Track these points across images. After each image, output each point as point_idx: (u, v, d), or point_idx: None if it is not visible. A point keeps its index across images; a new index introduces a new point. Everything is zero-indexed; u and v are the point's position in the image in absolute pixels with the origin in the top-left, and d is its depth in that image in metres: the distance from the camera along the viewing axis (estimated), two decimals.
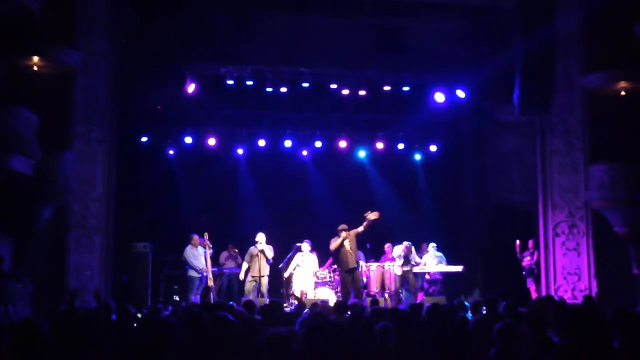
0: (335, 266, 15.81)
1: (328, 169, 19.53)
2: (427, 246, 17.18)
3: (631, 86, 14.76)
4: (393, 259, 16.69)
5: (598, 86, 15.01)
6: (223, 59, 16.84)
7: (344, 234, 15.11)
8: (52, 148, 13.35)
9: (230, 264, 17.24)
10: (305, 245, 16.01)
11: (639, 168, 13.92)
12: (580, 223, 14.98)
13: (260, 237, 15.75)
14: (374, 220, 14.95)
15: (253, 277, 15.62)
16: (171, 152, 18.72)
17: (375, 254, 17.12)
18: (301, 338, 6.34)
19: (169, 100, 17.02)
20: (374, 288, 16.29)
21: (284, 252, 16.35)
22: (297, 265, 15.96)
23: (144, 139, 17.95)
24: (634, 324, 6.33)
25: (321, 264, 16.60)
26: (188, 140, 18.36)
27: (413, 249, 16.56)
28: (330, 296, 15.22)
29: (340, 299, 14.43)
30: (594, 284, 14.66)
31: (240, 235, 17.39)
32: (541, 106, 15.41)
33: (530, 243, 15.91)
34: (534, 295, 15.48)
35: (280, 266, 16.34)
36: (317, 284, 16.00)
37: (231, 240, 17.65)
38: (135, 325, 8.86)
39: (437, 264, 16.86)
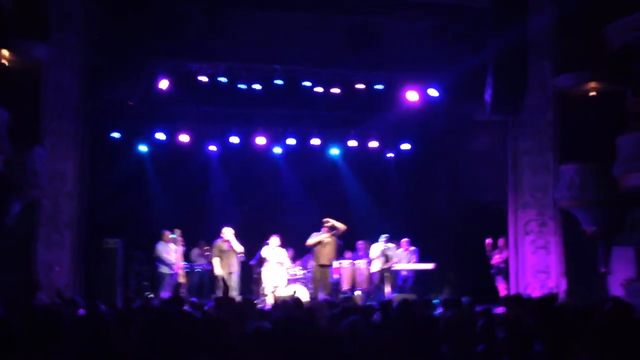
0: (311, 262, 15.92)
1: (301, 167, 19.56)
2: (405, 243, 17.26)
3: (601, 87, 14.94)
4: (364, 256, 16.74)
5: (569, 87, 15.16)
6: (195, 56, 16.72)
7: (326, 233, 15.44)
8: (22, 143, 13.22)
9: (202, 261, 17.22)
10: (274, 239, 15.93)
11: (608, 168, 14.06)
12: (549, 221, 15.12)
13: (227, 231, 15.69)
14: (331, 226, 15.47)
15: (229, 272, 15.56)
16: (143, 148, 18.63)
17: (347, 251, 17.16)
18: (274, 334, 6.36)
19: (141, 96, 16.85)
20: (345, 285, 16.33)
21: (254, 249, 16.31)
22: (265, 259, 15.88)
23: (116, 134, 17.84)
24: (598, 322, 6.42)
25: (293, 260, 16.59)
26: (160, 136, 18.28)
27: (391, 245, 16.64)
28: (302, 293, 15.24)
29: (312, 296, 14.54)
30: (563, 282, 14.81)
31: (212, 232, 17.31)
32: (513, 106, 15.51)
33: (501, 241, 16.05)
34: (502, 292, 15.62)
35: (250, 262, 16.32)
36: (289, 281, 16.00)
37: (202, 237, 17.61)
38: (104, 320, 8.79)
39: (408, 260, 16.97)
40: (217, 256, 15.67)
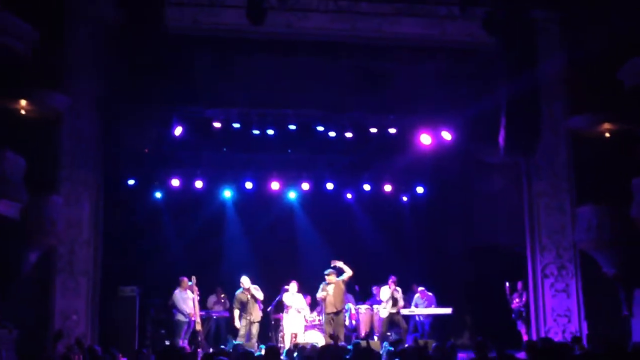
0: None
1: (315, 211, 19.55)
2: (417, 287, 17.12)
3: (615, 128, 14.95)
4: (381, 301, 16.61)
5: (582, 128, 15.17)
6: (209, 102, 16.83)
7: (327, 279, 15.37)
8: (38, 191, 13.24)
9: (218, 308, 17.11)
10: (293, 285, 15.93)
11: (625, 209, 13.98)
12: (569, 264, 15.00)
13: (245, 280, 15.66)
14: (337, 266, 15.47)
15: (251, 322, 15.47)
16: (158, 194, 18.68)
17: (364, 296, 17.04)
18: None
19: (155, 143, 16.93)
20: (363, 331, 16.18)
21: (271, 294, 16.24)
22: (286, 306, 15.82)
23: (131, 181, 17.89)
24: None
25: (311, 306, 16.48)
26: (175, 182, 18.34)
27: (399, 289, 16.50)
28: (319, 340, 15.11)
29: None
30: (585, 325, 14.63)
31: (228, 278, 17.26)
32: (526, 148, 15.48)
33: (519, 285, 15.91)
34: (524, 337, 15.43)
35: (268, 309, 16.25)
36: (306, 327, 15.88)
37: (217, 283, 17.54)
38: None
39: (426, 306, 16.81)
40: (237, 308, 15.64)
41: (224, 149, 18.28)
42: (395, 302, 16.21)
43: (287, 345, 14.89)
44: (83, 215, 14.34)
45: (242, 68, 16.81)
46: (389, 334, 16.15)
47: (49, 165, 14.16)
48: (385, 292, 16.41)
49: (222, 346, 13.32)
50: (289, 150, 18.40)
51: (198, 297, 16.10)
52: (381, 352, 11.26)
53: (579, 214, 14.85)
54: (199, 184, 18.41)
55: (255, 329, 15.48)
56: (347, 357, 8.91)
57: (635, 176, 13.96)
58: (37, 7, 13.22)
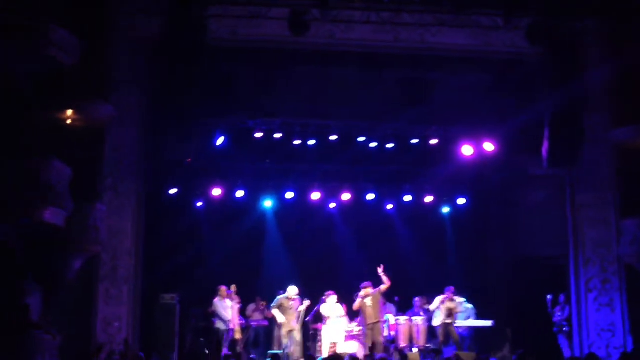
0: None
1: (355, 221, 19.52)
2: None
3: None
4: (420, 313, 16.48)
5: (628, 140, 14.93)
6: (251, 112, 16.99)
7: (362, 292, 15.47)
8: (83, 200, 13.45)
9: (258, 317, 17.17)
10: (332, 297, 15.96)
11: None
12: (613, 278, 14.74)
13: (292, 290, 15.73)
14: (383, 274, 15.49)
15: (289, 330, 15.57)
16: (199, 203, 18.83)
17: (404, 307, 16.94)
18: None
19: (197, 153, 17.14)
20: (402, 342, 16.10)
21: (311, 305, 16.28)
22: (325, 316, 15.87)
23: (173, 190, 18.06)
24: None
25: (350, 317, 16.46)
26: (216, 192, 18.47)
27: (457, 299, 16.33)
28: (359, 350, 15.09)
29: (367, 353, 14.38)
30: (629, 340, 14.36)
31: (267, 288, 17.32)
32: (570, 159, 15.25)
33: (562, 298, 15.68)
34: (566, 352, 15.19)
35: (307, 319, 16.28)
36: (346, 337, 15.87)
37: (257, 292, 17.62)
38: None
39: (466, 318, 16.64)
40: (277, 309, 15.76)
41: (266, 160, 18.35)
42: (449, 312, 16.07)
43: (325, 354, 14.87)
44: (126, 224, 14.53)
45: (284, 79, 16.91)
46: (428, 345, 16.04)
47: (94, 174, 14.38)
48: (436, 302, 16.25)
49: (252, 356, 13.36)
50: (330, 161, 18.40)
51: (239, 306, 16.20)
52: None
53: (623, 227, 14.60)
54: (240, 193, 18.54)
55: (294, 338, 15.51)
56: None
57: None
58: (82, 19, 13.45)
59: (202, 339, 16.21)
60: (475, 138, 17.43)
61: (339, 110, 17.12)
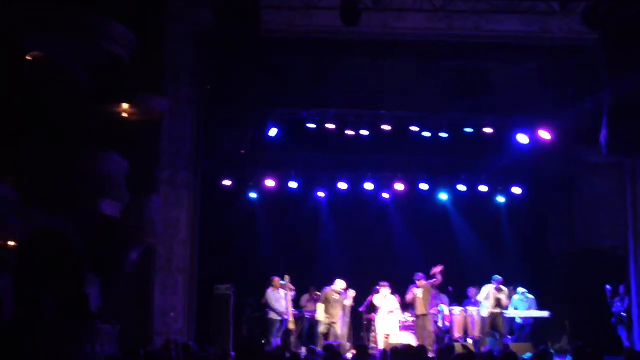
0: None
1: (409, 212, 19.40)
2: (521, 290, 16.70)
3: None
4: (476, 303, 16.31)
5: None
6: (304, 103, 17.03)
7: (417, 283, 15.56)
8: (139, 192, 13.65)
9: (311, 307, 17.19)
10: (385, 288, 15.90)
11: None
12: None
13: (340, 283, 15.74)
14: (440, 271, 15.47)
15: (330, 322, 15.58)
16: (253, 194, 18.96)
17: (459, 297, 16.80)
18: None
19: (251, 144, 17.25)
20: (457, 333, 15.97)
21: (364, 295, 16.26)
22: (377, 307, 15.84)
23: (227, 182, 18.20)
24: None
25: (402, 307, 16.40)
26: (270, 183, 18.57)
27: (505, 289, 16.11)
28: (412, 341, 15.03)
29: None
30: None
31: (321, 278, 17.35)
32: (631, 148, 14.87)
33: (621, 288, 15.35)
34: (625, 343, 14.88)
35: (360, 309, 16.28)
36: (400, 328, 15.82)
37: (311, 282, 17.66)
38: None
39: (527, 309, 16.41)
40: (322, 303, 15.76)
41: (319, 150, 18.35)
42: (498, 302, 15.87)
43: (381, 345, 14.86)
44: (181, 215, 14.72)
45: (337, 69, 16.92)
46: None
47: (150, 166, 14.56)
48: (484, 291, 16.05)
49: (312, 346, 13.38)
50: (383, 151, 18.31)
51: (293, 295, 16.26)
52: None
53: None
54: (293, 184, 18.60)
55: (336, 330, 15.53)
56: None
57: None
58: (136, 11, 13.63)
59: (257, 329, 16.34)
60: (531, 126, 17.14)
61: (393, 100, 17.05)
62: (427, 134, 17.41)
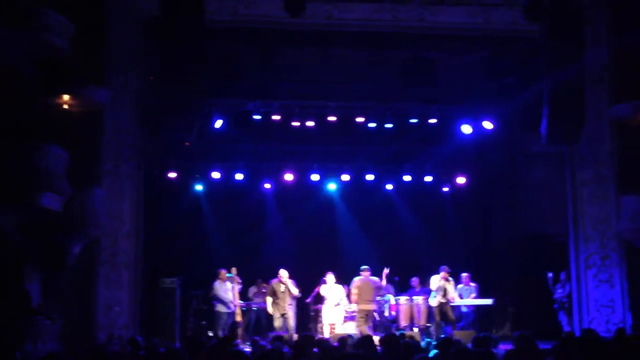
0: None
1: (355, 202, 19.51)
2: (466, 278, 16.87)
3: None
4: (421, 292, 16.45)
5: (627, 116, 14.88)
6: (250, 94, 16.89)
7: (362, 274, 15.50)
8: (81, 184, 13.46)
9: (259, 299, 17.19)
10: (330, 277, 15.95)
11: None
12: (612, 254, 14.72)
13: (284, 273, 15.74)
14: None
15: (282, 314, 15.58)
16: (199, 186, 18.82)
17: (403, 287, 16.95)
18: None
19: (196, 136, 17.09)
20: (403, 322, 16.11)
21: (311, 286, 16.30)
22: (324, 297, 15.90)
23: (172, 174, 18.02)
24: None
25: (349, 297, 16.47)
26: (215, 175, 18.46)
27: (451, 280, 16.27)
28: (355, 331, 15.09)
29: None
30: (629, 316, 14.36)
31: (268, 270, 17.33)
32: (570, 136, 15.16)
33: (562, 275, 15.67)
34: (566, 329, 15.21)
35: (307, 300, 16.32)
36: (345, 318, 15.88)
37: (258, 274, 17.63)
38: None
39: (469, 296, 16.63)
40: (270, 296, 15.75)
41: (265, 142, 18.29)
42: (445, 292, 16.02)
43: (326, 335, 14.89)
44: (125, 208, 14.51)
45: (282, 60, 16.81)
46: (429, 324, 16.02)
47: (91, 158, 14.34)
48: (434, 281, 16.17)
49: (256, 337, 13.35)
50: (329, 142, 18.34)
51: (239, 288, 16.22)
52: (422, 344, 11.12)
53: (623, 203, 14.57)
54: (239, 176, 18.52)
55: (287, 321, 15.53)
56: None
57: None
58: (76, 1, 13.39)
59: (203, 322, 16.26)
60: (475, 117, 17.33)
61: (338, 91, 17.03)
62: (372, 125, 17.45)
